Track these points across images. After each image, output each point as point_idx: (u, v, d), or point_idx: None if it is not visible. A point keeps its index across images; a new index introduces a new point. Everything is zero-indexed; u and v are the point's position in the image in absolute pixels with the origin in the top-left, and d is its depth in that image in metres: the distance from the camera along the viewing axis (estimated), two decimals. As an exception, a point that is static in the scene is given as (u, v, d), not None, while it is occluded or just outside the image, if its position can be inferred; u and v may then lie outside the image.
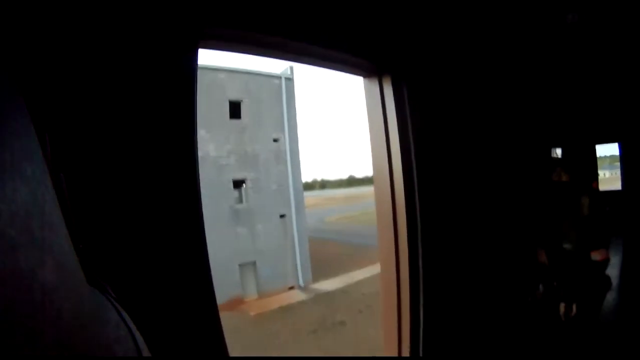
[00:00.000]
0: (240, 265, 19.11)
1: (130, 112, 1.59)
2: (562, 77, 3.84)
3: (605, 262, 3.12)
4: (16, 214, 0.34)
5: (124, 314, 0.67)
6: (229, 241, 18.69)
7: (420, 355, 2.70)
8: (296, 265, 20.61)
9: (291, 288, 20.05)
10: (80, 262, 0.48)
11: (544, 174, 3.49)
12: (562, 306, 3.14)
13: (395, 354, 2.75)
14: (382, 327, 2.91)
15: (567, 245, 3.24)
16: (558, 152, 3.80)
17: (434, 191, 2.83)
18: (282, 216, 20.58)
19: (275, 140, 20.46)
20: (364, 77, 2.79)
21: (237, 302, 18.25)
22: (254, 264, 19.54)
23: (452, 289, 2.95)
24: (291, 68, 21.03)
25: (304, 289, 20.07)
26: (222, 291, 17.51)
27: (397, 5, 2.62)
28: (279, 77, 20.73)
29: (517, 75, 3.68)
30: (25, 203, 0.36)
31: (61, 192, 0.56)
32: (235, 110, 19.39)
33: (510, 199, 3.46)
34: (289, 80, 20.95)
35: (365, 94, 2.84)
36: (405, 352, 2.70)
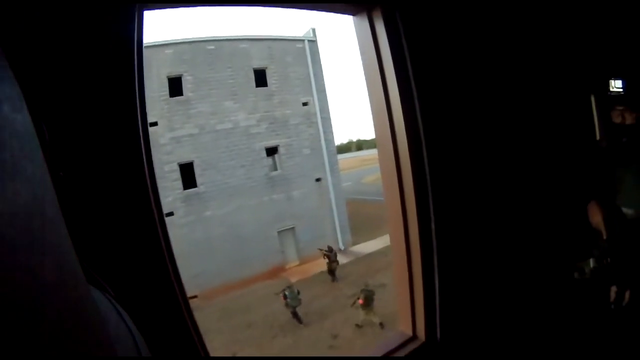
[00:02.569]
0: (279, 232, 19.36)
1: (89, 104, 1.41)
2: None
3: None
4: (16, 214, 0.35)
5: (124, 314, 0.68)
6: (266, 209, 18.97)
7: (438, 338, 2.45)
8: (335, 228, 20.67)
9: (331, 251, 20.20)
10: (80, 262, 0.48)
11: (602, 114, 2.83)
12: (612, 290, 2.41)
13: (410, 333, 2.50)
14: (397, 303, 2.63)
15: (628, 208, 2.54)
16: (618, 85, 2.88)
17: (444, 141, 2.39)
18: (317, 180, 20.60)
19: (304, 104, 20.29)
20: (353, 14, 2.35)
21: (278, 270, 18.59)
22: (292, 229, 19.73)
23: (475, 259, 2.56)
24: (313, 30, 20.62)
25: (344, 251, 20.16)
26: (263, 259, 17.94)
27: None
28: (302, 41, 20.42)
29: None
30: (25, 203, 0.36)
31: (61, 192, 0.55)
32: (260, 78, 19.31)
33: (550, 148, 2.88)
34: (312, 42, 20.58)
35: (356, 35, 2.41)
36: (420, 334, 2.47)
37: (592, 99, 3.11)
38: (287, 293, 13.83)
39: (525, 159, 2.80)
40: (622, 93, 2.84)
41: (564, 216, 2.82)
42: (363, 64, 2.43)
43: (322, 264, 17.70)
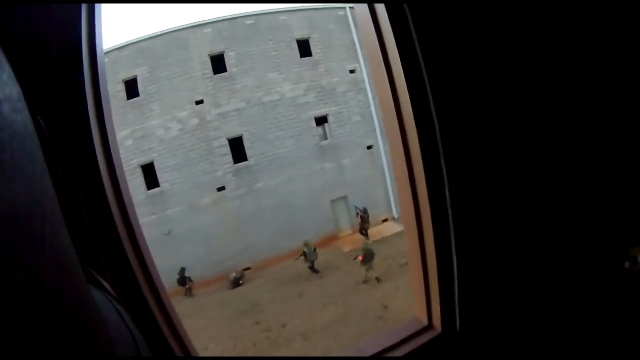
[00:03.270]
0: (332, 201, 19.48)
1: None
2: None
3: None
4: (16, 214, 0.34)
5: (124, 314, 0.69)
6: (318, 178, 19.13)
7: (457, 329, 2.19)
8: (389, 196, 20.51)
9: (385, 220, 20.12)
10: (80, 262, 0.48)
11: None
12: None
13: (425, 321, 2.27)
14: (412, 288, 2.40)
15: None
16: None
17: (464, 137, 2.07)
18: (369, 147, 20.46)
19: (351, 72, 20.02)
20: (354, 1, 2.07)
21: (331, 239, 18.80)
22: (345, 198, 19.77)
23: (502, 241, 2.22)
24: (355, -4, 19.95)
25: (398, 220, 20.00)
26: (316, 229, 18.18)
27: None
28: (342, 8, 19.96)
29: None
30: (25, 203, 0.36)
31: (61, 192, 0.56)
32: (304, 48, 19.20)
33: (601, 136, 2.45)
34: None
35: (360, 28, 2.16)
36: (437, 323, 2.23)
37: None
38: (305, 250, 15.73)
39: (570, 148, 2.40)
40: None
41: (613, 199, 2.53)
42: (368, 58, 2.22)
43: (374, 233, 17.87)
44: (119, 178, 1.56)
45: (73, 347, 0.40)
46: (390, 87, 2.06)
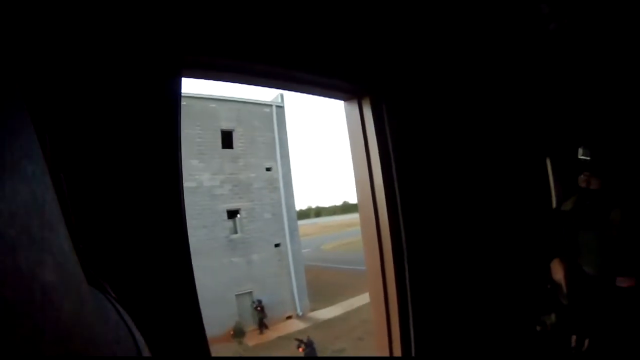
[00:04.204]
0: (237, 296, 18.88)
1: (121, 132, 1.66)
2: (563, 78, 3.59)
3: (633, 290, 2.58)
4: (16, 214, 0.34)
5: (124, 314, 0.67)
6: (224, 271, 18.55)
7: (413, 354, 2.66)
8: (293, 294, 20.36)
9: (289, 317, 19.75)
10: (80, 262, 0.47)
11: (567, 180, 3.07)
12: (573, 339, 2.68)
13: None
14: (374, 331, 2.86)
15: (588, 267, 2.75)
16: (586, 154, 3.08)
17: (419, 210, 2.79)
18: (277, 245, 20.44)
19: (268, 169, 20.49)
20: (345, 100, 2.80)
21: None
22: (250, 294, 19.30)
23: (446, 316, 2.86)
24: (281, 95, 21.28)
25: (302, 317, 19.77)
26: (220, 322, 17.28)
27: (373, 26, 2.65)
28: (269, 105, 20.92)
29: (514, 78, 3.51)
30: (25, 203, 0.36)
31: (61, 192, 0.57)
32: (227, 139, 19.50)
33: (516, 211, 3.27)
34: (280, 107, 21.13)
35: (346, 117, 2.84)
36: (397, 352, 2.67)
37: (549, 162, 3.54)
38: None
39: (490, 220, 3.20)
40: (589, 160, 3.00)
41: (528, 272, 3.11)
42: (350, 139, 2.86)
43: (278, 329, 17.39)
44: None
45: (73, 347, 0.40)
46: (368, 167, 2.78)
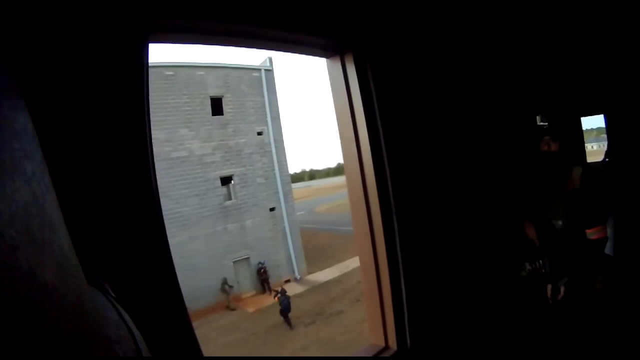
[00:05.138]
0: (235, 262, 19.05)
1: (92, 110, 1.53)
2: (543, 46, 3.73)
3: (603, 241, 2.84)
4: (16, 214, 0.34)
5: (124, 314, 0.68)
6: (220, 239, 18.64)
7: (408, 346, 2.65)
8: (290, 257, 20.58)
9: (287, 281, 20.02)
10: (80, 262, 0.48)
11: (530, 145, 3.22)
12: (548, 288, 2.95)
13: (382, 343, 2.70)
14: (367, 318, 2.87)
15: (557, 222, 2.99)
16: (544, 120, 3.60)
17: (406, 172, 2.73)
18: (271, 209, 20.51)
19: (259, 134, 20.32)
20: (326, 57, 2.67)
21: (234, 300, 18.19)
22: (247, 259, 19.47)
23: (433, 272, 2.88)
24: (270, 59, 20.86)
25: (300, 280, 20.10)
26: (218, 290, 17.52)
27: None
28: (258, 70, 20.57)
29: (495, 44, 3.53)
30: (25, 203, 0.36)
31: (61, 192, 0.56)
32: (217, 106, 19.24)
33: (492, 173, 3.35)
34: (269, 71, 20.78)
35: (329, 75, 2.71)
36: (392, 343, 2.66)
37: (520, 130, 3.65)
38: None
39: (474, 178, 3.24)
40: (547, 126, 3.46)
41: (504, 232, 3.33)
42: (334, 100, 2.73)
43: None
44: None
45: (73, 346, 0.40)
46: (353, 124, 2.66)
